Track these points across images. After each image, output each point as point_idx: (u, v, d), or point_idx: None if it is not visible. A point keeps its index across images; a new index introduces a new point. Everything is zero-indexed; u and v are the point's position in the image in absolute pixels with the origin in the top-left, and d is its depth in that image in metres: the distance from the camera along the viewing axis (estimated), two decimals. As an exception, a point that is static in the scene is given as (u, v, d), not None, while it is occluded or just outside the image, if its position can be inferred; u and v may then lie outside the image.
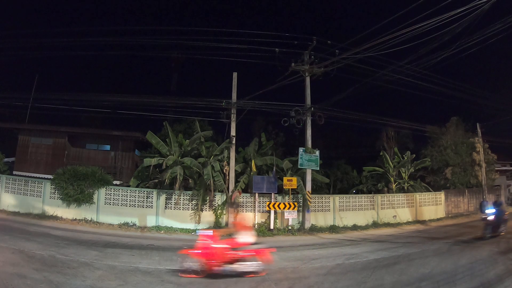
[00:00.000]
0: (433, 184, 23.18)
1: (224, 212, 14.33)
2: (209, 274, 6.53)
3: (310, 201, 14.79)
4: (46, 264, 6.68)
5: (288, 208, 14.34)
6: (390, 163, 21.39)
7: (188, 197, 14.27)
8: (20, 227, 10.80)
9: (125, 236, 11.58)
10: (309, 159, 14.84)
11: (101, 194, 13.86)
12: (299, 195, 15.31)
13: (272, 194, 14.74)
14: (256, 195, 14.63)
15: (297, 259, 8.80)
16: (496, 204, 12.46)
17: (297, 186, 14.67)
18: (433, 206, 19.60)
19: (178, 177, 13.60)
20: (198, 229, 13.38)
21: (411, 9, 9.54)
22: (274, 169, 15.42)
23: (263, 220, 14.68)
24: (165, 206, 14.06)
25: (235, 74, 15.88)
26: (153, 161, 14.33)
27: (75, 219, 13.30)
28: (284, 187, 14.68)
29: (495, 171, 26.02)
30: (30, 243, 8.47)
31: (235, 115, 15.44)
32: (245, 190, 15.37)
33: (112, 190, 14.07)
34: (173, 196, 14.11)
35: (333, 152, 27.10)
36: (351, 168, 25.77)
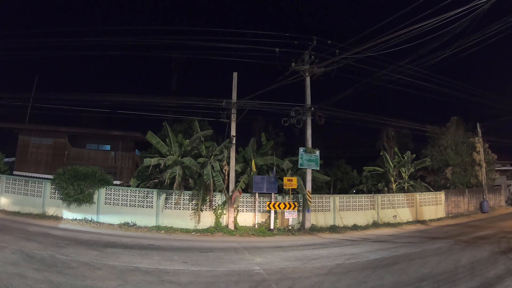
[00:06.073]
0: (433, 184, 23.18)
1: (224, 212, 14.33)
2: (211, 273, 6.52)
3: (310, 201, 14.78)
4: (46, 264, 6.67)
5: (288, 208, 14.34)
6: (390, 163, 21.38)
7: (188, 197, 14.26)
8: (20, 227, 10.79)
9: (125, 236, 11.57)
10: (309, 159, 14.84)
11: (101, 194, 13.86)
12: (299, 195, 15.30)
13: (272, 194, 14.73)
14: (256, 195, 14.63)
15: (297, 259, 8.80)
16: None
17: (297, 186, 14.66)
18: (433, 206, 19.59)
19: (177, 177, 13.59)
20: (198, 229, 13.45)
21: (411, 9, 9.55)
22: (274, 169, 15.41)
23: (263, 220, 14.68)
24: (165, 206, 14.06)
25: (235, 74, 15.88)
26: (153, 161, 14.31)
27: (75, 219, 13.30)
28: (284, 187, 14.68)
29: (495, 171, 26.06)
30: (30, 243, 8.46)
31: (235, 115, 15.44)
32: (245, 190, 15.37)
33: (112, 190, 14.07)
34: (173, 196, 14.10)
35: (333, 152, 27.11)
36: (351, 168, 25.80)
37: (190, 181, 14.98)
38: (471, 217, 20.52)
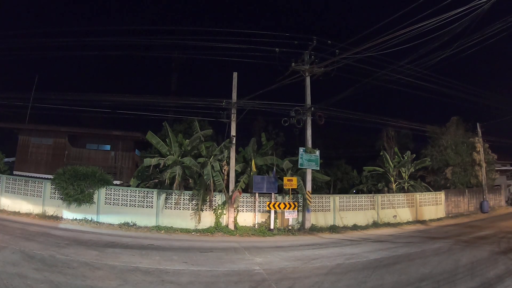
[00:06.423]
0: (433, 184, 23.17)
1: (224, 212, 14.33)
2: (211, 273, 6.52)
3: (310, 201, 14.78)
4: (46, 264, 6.68)
5: (288, 208, 14.34)
6: (390, 163, 21.38)
7: (188, 197, 14.26)
8: (20, 227, 10.80)
9: (125, 236, 11.58)
10: (309, 159, 14.84)
11: (101, 194, 13.86)
12: (299, 195, 15.30)
13: (272, 194, 14.73)
14: (256, 195, 14.63)
15: (297, 259, 8.80)
16: None
17: (297, 186, 14.66)
18: (433, 206, 19.59)
19: (177, 177, 13.59)
20: (198, 229, 13.47)
21: (411, 9, 9.55)
22: (274, 169, 15.41)
23: (263, 220, 14.68)
24: (165, 206, 14.06)
25: (235, 74, 15.88)
26: (153, 161, 14.32)
27: (75, 219, 13.30)
28: (284, 187, 14.67)
29: (495, 171, 26.05)
30: (31, 243, 8.47)
31: (235, 115, 15.43)
32: (245, 190, 15.37)
33: (112, 190, 14.06)
34: (173, 196, 14.10)
35: (333, 152, 27.11)
36: (351, 168, 25.78)
37: (190, 181, 14.98)
38: (471, 217, 20.51)
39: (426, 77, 15.63)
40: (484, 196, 23.27)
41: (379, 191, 21.16)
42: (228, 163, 15.12)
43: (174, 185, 13.54)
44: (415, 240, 12.28)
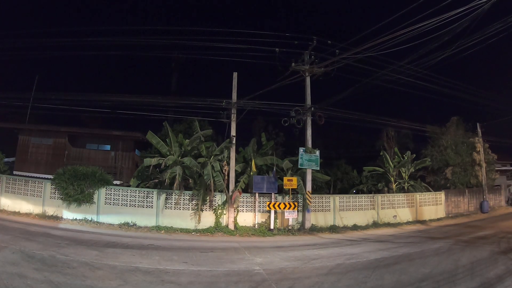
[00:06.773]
0: (433, 184, 23.18)
1: (224, 212, 14.33)
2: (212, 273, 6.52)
3: (310, 201, 14.78)
4: (46, 264, 6.68)
5: (288, 208, 14.34)
6: (390, 163, 21.37)
7: (188, 197, 14.26)
8: (20, 227, 10.80)
9: (125, 236, 11.58)
10: (309, 159, 14.84)
11: (101, 194, 13.86)
12: (299, 195, 15.30)
13: (272, 194, 14.73)
14: (256, 195, 14.63)
15: (297, 259, 8.80)
16: None
17: (297, 186, 14.67)
18: (433, 206, 19.59)
19: (177, 177, 13.60)
20: (198, 229, 13.48)
21: (411, 9, 9.55)
22: (274, 169, 15.41)
23: (263, 220, 14.68)
24: (165, 206, 14.06)
25: (235, 74, 15.88)
26: (153, 161, 14.32)
27: (75, 219, 13.30)
28: (284, 187, 14.68)
29: (495, 171, 26.04)
30: (31, 243, 8.47)
31: (235, 115, 15.43)
32: (245, 190, 15.37)
33: (112, 190, 14.06)
34: (173, 196, 14.10)
35: (333, 152, 27.12)
36: (351, 168, 25.77)
37: (190, 181, 14.98)
38: (471, 217, 20.52)
39: (426, 77, 15.64)
40: (484, 196, 23.28)
41: (379, 191, 21.15)
42: (228, 163, 15.12)
43: (174, 185, 13.54)
44: (415, 240, 12.28)
